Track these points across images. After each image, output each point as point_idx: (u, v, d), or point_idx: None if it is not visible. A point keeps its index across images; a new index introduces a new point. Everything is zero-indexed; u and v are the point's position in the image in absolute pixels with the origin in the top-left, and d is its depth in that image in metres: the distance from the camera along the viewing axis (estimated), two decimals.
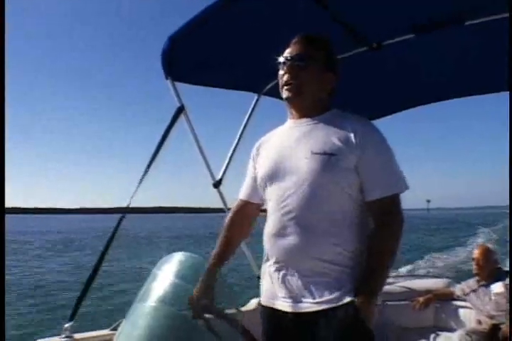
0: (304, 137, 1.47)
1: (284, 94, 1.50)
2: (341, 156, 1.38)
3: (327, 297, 1.36)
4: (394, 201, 1.42)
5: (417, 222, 57.32)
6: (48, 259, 18.85)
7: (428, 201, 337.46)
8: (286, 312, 1.42)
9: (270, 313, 1.49)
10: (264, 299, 1.52)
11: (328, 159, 1.38)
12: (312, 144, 1.43)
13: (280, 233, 1.43)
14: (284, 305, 1.43)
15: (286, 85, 1.49)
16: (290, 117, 1.58)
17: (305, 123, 1.51)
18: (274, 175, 1.49)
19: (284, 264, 1.43)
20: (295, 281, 1.41)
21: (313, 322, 1.37)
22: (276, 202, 1.46)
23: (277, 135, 1.61)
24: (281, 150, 1.51)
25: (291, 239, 1.41)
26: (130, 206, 2.28)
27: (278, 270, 1.45)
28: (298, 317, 1.39)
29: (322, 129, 1.46)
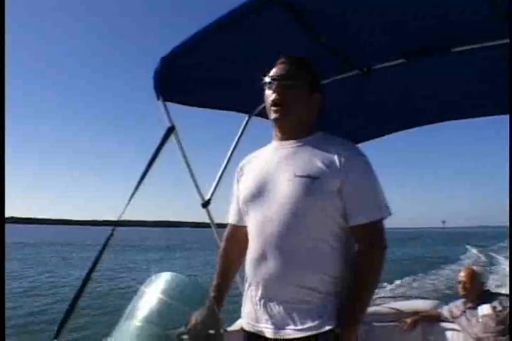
0: (287, 159, 1.46)
1: (272, 115, 1.49)
2: (325, 180, 1.36)
3: (309, 324, 1.34)
4: (378, 226, 1.40)
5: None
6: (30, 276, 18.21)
7: (443, 222, 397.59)
8: (269, 339, 1.40)
9: (252, 338, 1.47)
10: (246, 324, 1.50)
11: (312, 182, 1.36)
12: (296, 167, 1.41)
13: (261, 258, 1.41)
14: (266, 331, 1.41)
15: (273, 106, 1.47)
16: (275, 138, 1.56)
17: (290, 145, 1.49)
18: (256, 198, 1.46)
19: (266, 290, 1.41)
20: (277, 308, 1.39)
21: None
22: (258, 225, 1.44)
23: (261, 156, 1.59)
24: (265, 172, 1.48)
25: (272, 265, 1.38)
26: (120, 221, 2.26)
27: (260, 295, 1.43)
28: None
29: (306, 152, 1.45)
